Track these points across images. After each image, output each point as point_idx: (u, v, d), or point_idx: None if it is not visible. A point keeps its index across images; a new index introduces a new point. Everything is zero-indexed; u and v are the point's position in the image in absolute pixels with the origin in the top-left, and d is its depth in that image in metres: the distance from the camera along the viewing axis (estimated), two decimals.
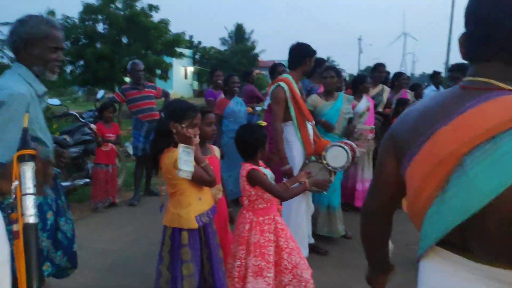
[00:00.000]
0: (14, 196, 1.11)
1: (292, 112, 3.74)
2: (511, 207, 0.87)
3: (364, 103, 4.94)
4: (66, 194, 2.60)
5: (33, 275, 1.06)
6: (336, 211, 4.34)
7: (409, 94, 6.26)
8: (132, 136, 5.94)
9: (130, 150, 6.39)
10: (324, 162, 3.55)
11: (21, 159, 1.13)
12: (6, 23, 8.80)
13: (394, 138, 1.16)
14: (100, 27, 15.75)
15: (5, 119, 1.89)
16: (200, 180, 2.46)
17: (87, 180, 5.70)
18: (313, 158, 3.73)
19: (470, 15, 1.05)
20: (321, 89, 4.69)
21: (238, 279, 2.72)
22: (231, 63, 33.49)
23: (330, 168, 3.55)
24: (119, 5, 15.58)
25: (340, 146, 3.55)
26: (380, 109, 5.64)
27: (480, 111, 0.93)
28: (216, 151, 3.02)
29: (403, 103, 5.46)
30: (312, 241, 4.09)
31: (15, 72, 2.15)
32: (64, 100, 18.43)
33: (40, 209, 2.21)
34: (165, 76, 18.06)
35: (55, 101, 5.88)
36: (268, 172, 2.81)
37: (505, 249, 0.93)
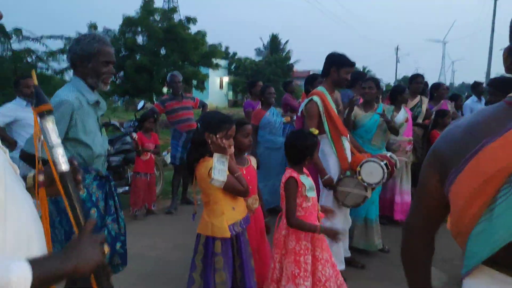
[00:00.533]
0: (41, 150, 1.17)
1: (326, 127, 3.69)
2: None
3: (403, 114, 4.87)
4: (119, 196, 2.74)
5: (79, 215, 1.17)
6: (373, 224, 4.27)
7: (449, 105, 6.12)
8: (170, 146, 6.08)
9: (168, 159, 6.54)
10: (359, 177, 3.51)
11: (41, 116, 1.17)
12: (52, 36, 9.19)
13: (437, 155, 1.15)
14: (140, 39, 16.17)
15: None
16: (232, 189, 2.50)
17: (127, 188, 5.87)
18: (348, 173, 3.68)
19: None
20: (361, 101, 4.67)
21: (271, 281, 2.76)
22: (266, 73, 33.67)
23: (365, 184, 3.51)
24: (158, 18, 15.98)
25: (375, 161, 3.49)
26: (419, 120, 5.54)
27: None
28: (253, 161, 3.06)
29: (442, 114, 5.35)
30: (349, 254, 4.04)
31: (71, 84, 2.49)
32: None
33: (83, 205, 2.33)
34: (201, 87, 18.37)
35: None
36: (308, 182, 2.81)
37: None
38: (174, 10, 17.84)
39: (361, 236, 4.27)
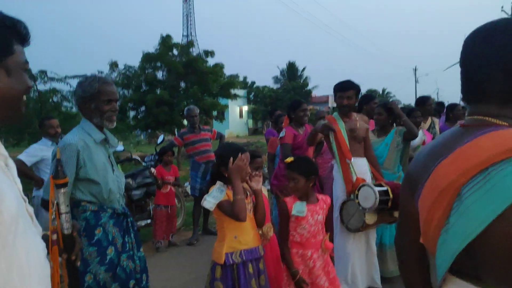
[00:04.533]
0: (54, 213, 1.49)
1: (334, 149, 3.78)
2: (502, 235, 0.92)
3: (420, 136, 4.88)
4: (137, 233, 2.78)
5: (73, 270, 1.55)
6: (388, 250, 4.20)
7: None
8: (190, 177, 6.20)
9: (189, 190, 6.65)
10: (357, 201, 3.51)
11: (57, 186, 1.50)
12: (75, 76, 9.59)
13: (409, 177, 1.23)
14: (160, 74, 16.60)
15: None
16: (225, 212, 2.53)
17: (149, 221, 5.97)
18: (352, 196, 3.68)
19: (460, 59, 1.13)
20: (371, 125, 4.71)
21: None
22: (285, 100, 33.95)
23: (360, 208, 3.49)
24: (176, 52, 16.39)
25: (370, 186, 3.48)
26: None
27: (475, 145, 1.00)
28: (264, 190, 3.13)
29: None
30: (379, 285, 3.92)
31: (79, 126, 2.59)
32: (127, 144, 19.46)
33: (99, 244, 2.45)
34: (221, 117, 18.66)
35: (118, 147, 6.30)
36: (300, 207, 2.86)
37: (505, 276, 0.96)
38: (191, 44, 18.37)
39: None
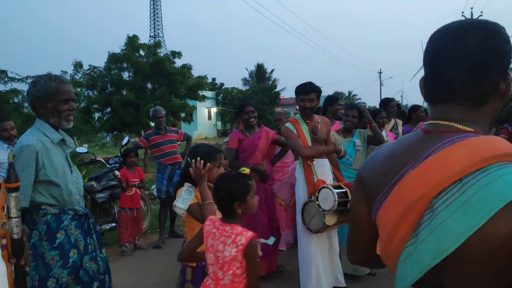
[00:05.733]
0: (4, 218, 1.48)
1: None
2: (479, 250, 0.88)
3: (384, 137, 4.98)
4: (98, 234, 2.70)
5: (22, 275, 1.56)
6: None
7: None
8: (156, 179, 6.11)
9: (155, 192, 6.55)
10: (317, 203, 3.54)
11: (8, 190, 1.49)
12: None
13: (362, 181, 1.18)
14: (126, 74, 16.33)
15: (18, 169, 2.09)
16: (195, 218, 2.47)
17: (113, 224, 5.86)
18: (313, 198, 3.69)
19: (424, 58, 1.09)
20: (336, 126, 4.77)
21: None
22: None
23: (320, 209, 3.52)
24: (143, 53, 16.17)
25: (329, 188, 3.51)
26: None
27: (445, 155, 0.96)
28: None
29: None
30: (343, 284, 3.97)
31: (34, 127, 2.48)
32: (93, 146, 19.04)
33: (61, 247, 2.37)
34: (189, 119, 18.53)
35: (82, 149, 6.18)
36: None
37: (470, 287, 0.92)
38: (159, 44, 18.15)
39: (349, 261, 4.26)
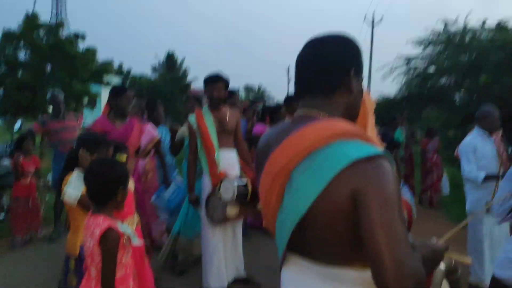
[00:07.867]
0: None
1: (199, 144, 3.83)
2: (325, 211, 1.07)
3: None
4: None
5: None
6: None
7: None
8: (52, 169, 5.75)
9: (51, 183, 6.17)
10: (219, 194, 3.57)
11: None
12: None
13: (256, 155, 1.40)
14: (22, 55, 15.18)
15: None
16: (87, 208, 2.32)
17: (2, 215, 5.43)
18: (216, 189, 3.69)
19: (297, 60, 1.34)
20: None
21: None
22: (163, 92, 33.24)
23: (222, 200, 3.56)
24: (42, 33, 15.13)
25: (228, 179, 3.57)
26: None
27: (300, 134, 1.16)
28: (131, 183, 3.04)
29: None
30: (243, 273, 4.07)
31: None
32: None
33: None
34: (92, 105, 17.66)
35: None
36: (126, 228, 2.13)
37: (327, 248, 1.12)
38: (61, 25, 16.99)
39: None
